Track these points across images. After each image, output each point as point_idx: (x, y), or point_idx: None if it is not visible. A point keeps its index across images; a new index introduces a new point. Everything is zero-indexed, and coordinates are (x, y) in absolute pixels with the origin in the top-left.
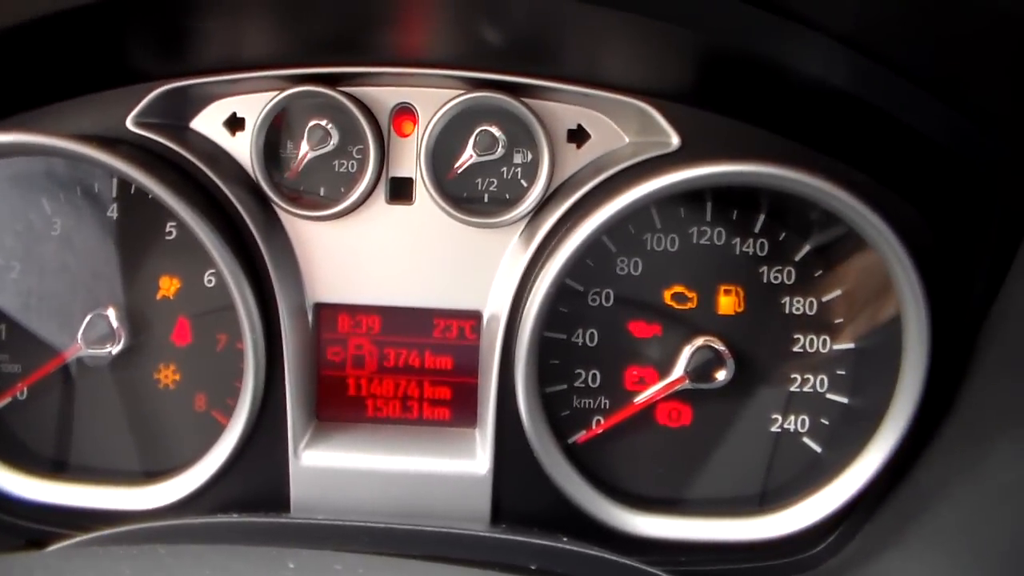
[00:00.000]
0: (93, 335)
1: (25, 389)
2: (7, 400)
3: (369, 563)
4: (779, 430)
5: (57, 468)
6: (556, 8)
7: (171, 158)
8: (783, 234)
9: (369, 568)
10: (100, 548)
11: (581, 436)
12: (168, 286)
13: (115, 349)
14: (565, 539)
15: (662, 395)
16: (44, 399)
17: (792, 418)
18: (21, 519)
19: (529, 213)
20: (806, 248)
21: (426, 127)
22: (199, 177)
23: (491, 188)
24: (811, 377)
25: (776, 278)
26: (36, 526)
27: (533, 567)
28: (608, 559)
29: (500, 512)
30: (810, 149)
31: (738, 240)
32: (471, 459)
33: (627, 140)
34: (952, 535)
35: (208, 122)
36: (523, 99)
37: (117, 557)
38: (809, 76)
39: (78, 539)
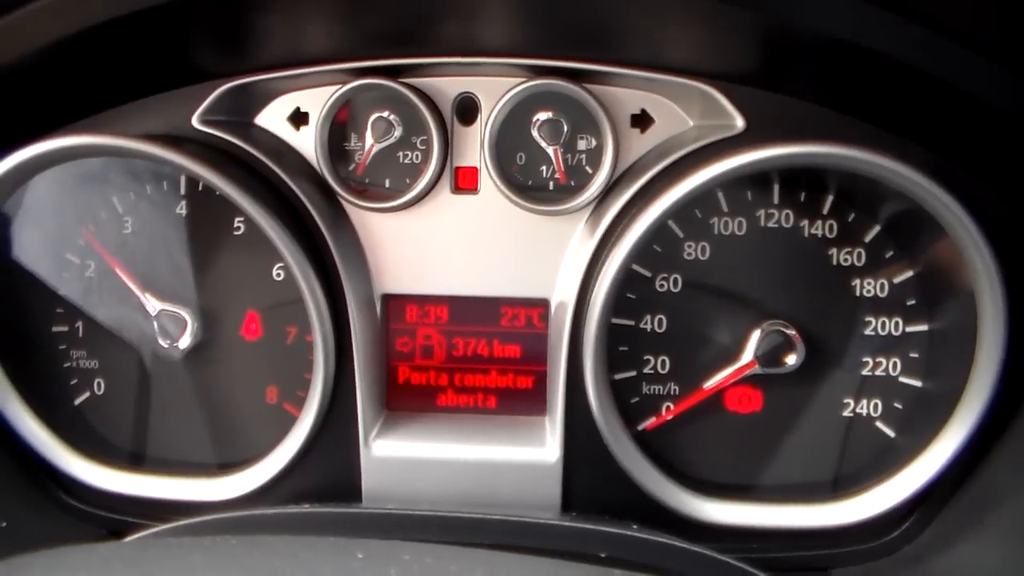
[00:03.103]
0: (165, 330)
1: (102, 384)
2: (86, 395)
3: (437, 552)
4: (851, 415)
5: (135, 460)
6: None
7: (237, 154)
8: (852, 215)
9: (437, 557)
10: (175, 539)
11: (650, 423)
12: (237, 280)
13: (187, 344)
14: (635, 527)
15: (731, 380)
16: (121, 393)
17: (864, 402)
18: (101, 509)
19: (595, 199)
20: (876, 229)
21: (489, 116)
22: (265, 172)
23: (555, 175)
24: (883, 360)
25: (846, 260)
26: (116, 516)
27: (603, 555)
28: (679, 547)
29: (570, 500)
30: (877, 128)
31: (806, 222)
32: (541, 447)
33: (691, 124)
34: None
35: (272, 117)
36: (585, 85)
37: (190, 547)
38: (871, 50)
39: (154, 529)
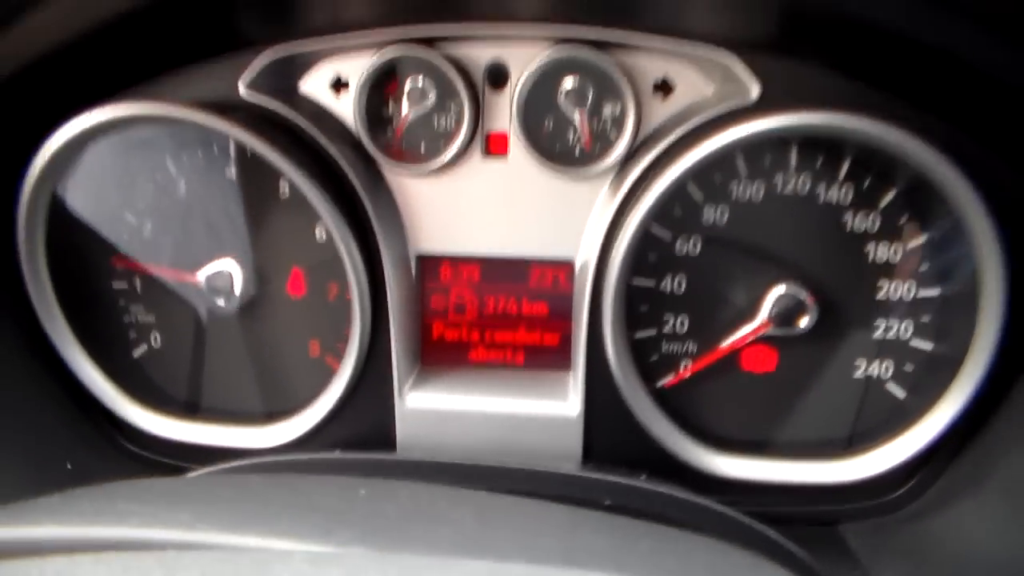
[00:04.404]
0: (216, 287)
1: (159, 337)
2: (143, 347)
3: (434, 492)
4: (863, 376)
5: (189, 409)
6: None
7: (281, 120)
8: (868, 180)
9: (434, 496)
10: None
11: (669, 380)
12: (283, 240)
13: (237, 300)
14: (644, 477)
15: (747, 340)
16: (176, 346)
17: (876, 364)
18: (159, 455)
19: (618, 163)
20: (891, 194)
21: (518, 83)
22: (307, 138)
23: (581, 140)
24: (895, 323)
25: (861, 225)
26: (171, 461)
27: (608, 503)
28: (682, 498)
29: (591, 452)
30: (890, 95)
31: (823, 187)
32: (564, 401)
33: (711, 90)
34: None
35: (314, 84)
36: (610, 53)
37: (212, 484)
38: (880, 25)
39: (207, 469)
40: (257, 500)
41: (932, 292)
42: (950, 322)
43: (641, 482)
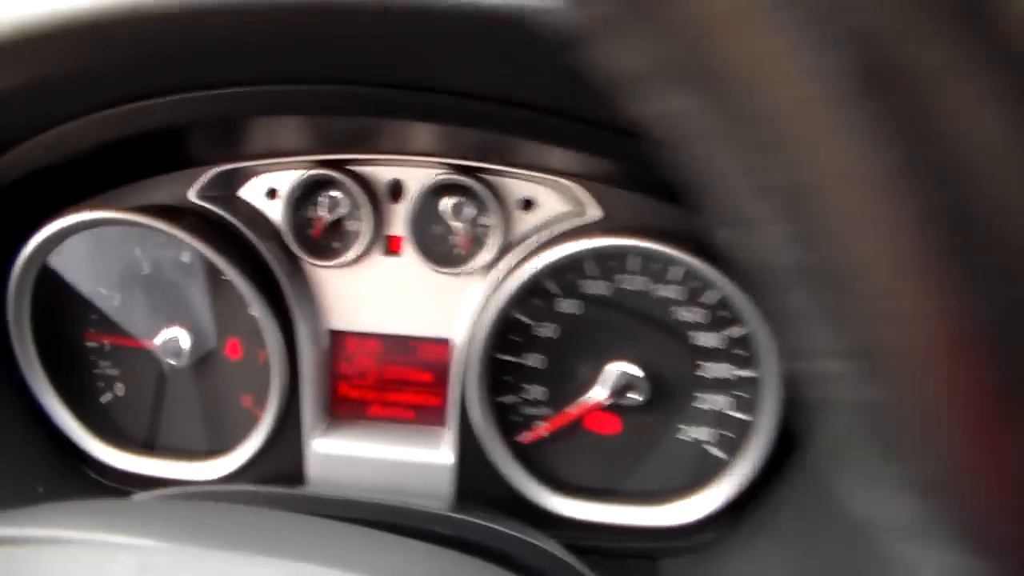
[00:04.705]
0: (169, 349)
1: (123, 387)
2: (109, 395)
3: (289, 518)
4: (689, 439)
5: (146, 446)
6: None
7: (221, 222)
8: (696, 282)
9: (299, 523)
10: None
11: (527, 437)
12: (223, 314)
13: (185, 360)
14: (480, 514)
15: (590, 408)
16: (136, 395)
17: (700, 430)
18: (118, 483)
19: (488, 264)
20: (717, 293)
21: (412, 198)
22: (242, 237)
23: (460, 245)
24: (717, 398)
25: (689, 317)
26: (128, 488)
27: (445, 532)
28: (503, 531)
29: (461, 495)
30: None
31: (659, 286)
32: (440, 451)
33: (565, 209)
34: (788, 537)
35: (251, 192)
36: (485, 177)
37: (141, 507)
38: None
39: (143, 495)
40: (155, 515)
41: (750, 372)
42: (760, 397)
43: (477, 517)
